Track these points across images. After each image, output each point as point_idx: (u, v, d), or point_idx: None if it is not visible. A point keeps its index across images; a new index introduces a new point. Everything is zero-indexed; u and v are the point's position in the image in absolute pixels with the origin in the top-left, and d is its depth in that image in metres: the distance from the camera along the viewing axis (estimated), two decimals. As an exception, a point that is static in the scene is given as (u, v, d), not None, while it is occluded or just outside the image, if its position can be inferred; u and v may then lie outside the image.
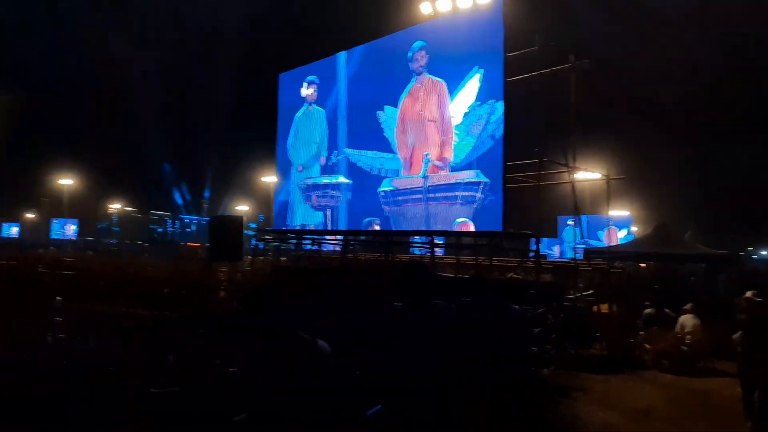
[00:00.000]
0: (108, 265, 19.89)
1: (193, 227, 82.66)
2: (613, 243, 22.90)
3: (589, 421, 6.41)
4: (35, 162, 61.81)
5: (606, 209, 14.12)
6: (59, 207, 56.78)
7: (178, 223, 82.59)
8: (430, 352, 4.80)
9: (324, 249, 16.98)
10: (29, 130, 66.91)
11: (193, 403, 4.43)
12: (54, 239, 52.12)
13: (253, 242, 23.52)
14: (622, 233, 28.05)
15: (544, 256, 17.41)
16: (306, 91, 14.47)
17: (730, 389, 8.44)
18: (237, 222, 14.60)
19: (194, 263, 20.55)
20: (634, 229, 29.99)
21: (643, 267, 18.35)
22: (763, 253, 62.94)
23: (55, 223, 56.82)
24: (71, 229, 55.52)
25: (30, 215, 67.65)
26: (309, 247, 15.17)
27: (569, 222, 28.64)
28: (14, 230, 59.37)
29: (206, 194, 79.00)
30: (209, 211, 79.36)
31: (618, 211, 28.21)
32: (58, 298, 10.72)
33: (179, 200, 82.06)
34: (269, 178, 35.40)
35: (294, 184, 14.62)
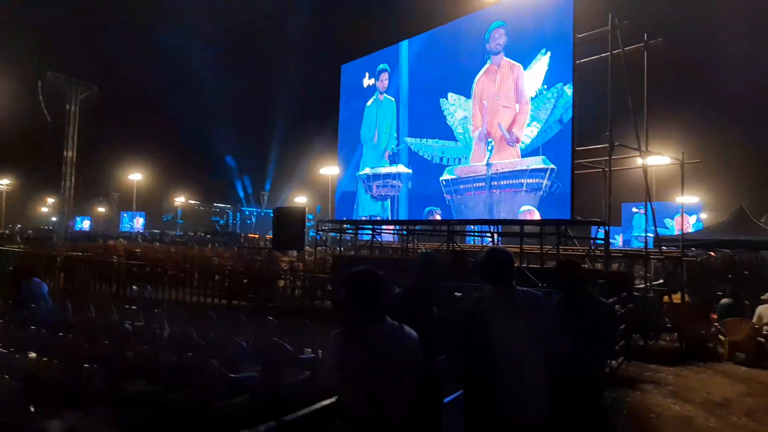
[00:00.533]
0: (176, 254, 20.83)
1: (253, 219, 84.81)
2: (684, 230, 22.02)
3: (664, 414, 6.23)
4: (106, 157, 64.86)
5: (675, 195, 13.60)
6: (128, 201, 59.44)
7: (239, 214, 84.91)
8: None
9: (384, 239, 17.11)
10: (100, 126, 70.19)
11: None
12: (123, 231, 54.74)
13: (312, 233, 24.00)
14: (692, 219, 26.93)
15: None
16: (369, 81, 14.49)
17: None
18: (299, 213, 15.00)
19: (257, 253, 21.21)
20: (703, 216, 28.75)
21: (712, 255, 17.60)
22: None
23: (125, 216, 59.58)
24: (139, 221, 58.09)
25: (101, 209, 71.20)
26: (367, 237, 15.29)
27: (634, 209, 27.74)
28: (86, 224, 62.68)
29: (266, 187, 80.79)
30: (269, 203, 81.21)
31: (687, 197, 27.10)
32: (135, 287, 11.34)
33: (240, 192, 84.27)
34: (328, 170, 35.88)
35: (357, 175, 14.76)
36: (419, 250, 15.34)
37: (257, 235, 63.69)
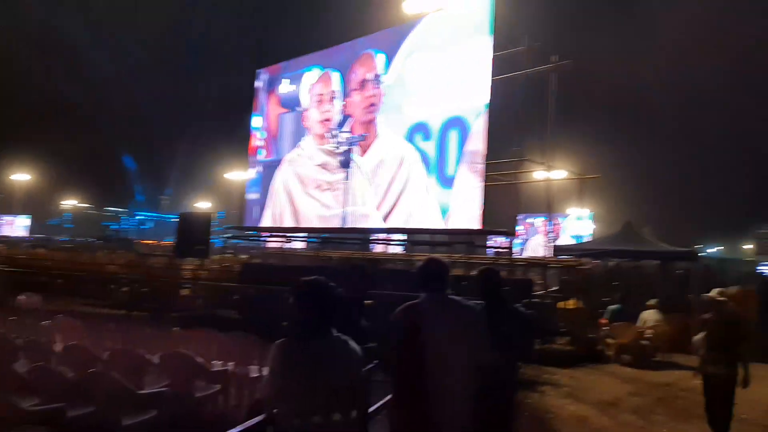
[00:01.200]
0: (65, 261, 19.39)
1: (150, 224, 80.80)
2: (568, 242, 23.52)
3: (561, 414, 6.63)
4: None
5: (565, 207, 14.51)
6: (10, 203, 54.83)
7: (134, 219, 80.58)
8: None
9: (292, 246, 16.92)
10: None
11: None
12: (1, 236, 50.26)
13: (217, 240, 23.27)
14: (581, 230, 28.72)
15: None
16: (288, 88, 14.19)
17: (688, 381, 8.88)
18: (205, 218, 14.49)
19: (156, 260, 20.21)
20: (593, 226, 30.80)
21: (595, 263, 18.96)
22: (712, 249, 65.69)
23: (4, 219, 54.72)
24: (21, 225, 53.54)
25: (-22, 210, 64.93)
26: (276, 244, 15.05)
27: (529, 220, 29.28)
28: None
29: (168, 191, 77.34)
30: (169, 208, 77.72)
31: (579, 209, 28.94)
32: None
33: (137, 197, 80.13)
34: (234, 174, 34.98)
35: (265, 181, 14.43)
36: (331, 258, 15.36)
37: (154, 241, 60.67)
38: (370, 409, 3.16)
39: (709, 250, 62.33)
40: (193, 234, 14.18)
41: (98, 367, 4.89)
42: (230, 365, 6.03)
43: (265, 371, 2.65)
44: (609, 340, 10.54)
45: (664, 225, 42.60)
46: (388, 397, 3.20)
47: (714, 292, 5.53)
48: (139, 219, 79.30)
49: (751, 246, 66.39)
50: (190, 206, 55.39)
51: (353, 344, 2.46)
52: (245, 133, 14.97)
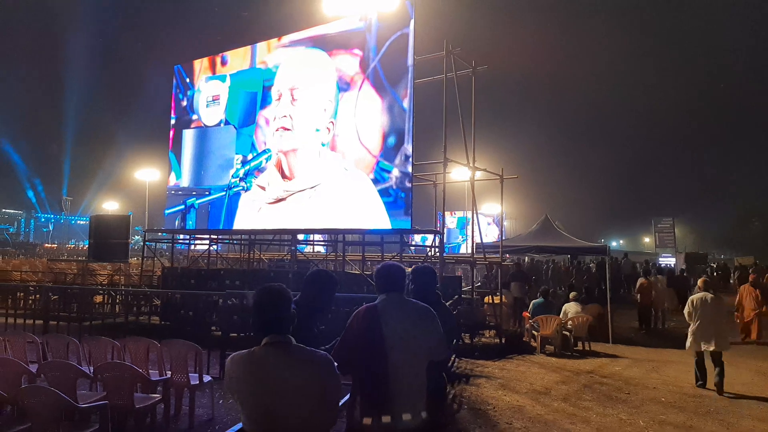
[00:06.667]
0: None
1: (51, 227, 75.86)
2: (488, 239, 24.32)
3: (499, 405, 6.87)
4: None
5: (481, 205, 14.97)
6: None
7: (32, 222, 75.29)
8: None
9: (218, 250, 16.42)
10: None
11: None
12: None
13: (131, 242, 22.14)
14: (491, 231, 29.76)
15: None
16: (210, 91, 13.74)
17: (608, 367, 9.49)
18: (123, 221, 13.81)
19: (67, 265, 18.97)
20: (506, 223, 31.98)
21: (518, 258, 19.83)
22: (614, 244, 70.20)
23: None
24: None
25: None
26: (200, 248, 14.52)
27: (450, 217, 30.01)
28: None
29: (66, 191, 72.61)
30: (72, 209, 73.17)
31: (494, 207, 29.94)
32: None
33: (32, 197, 74.83)
34: (145, 173, 33.21)
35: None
36: (265, 260, 15.03)
37: (54, 245, 56.91)
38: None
39: (612, 244, 66.51)
40: (110, 237, 13.48)
41: (28, 381, 4.56)
42: (167, 373, 5.81)
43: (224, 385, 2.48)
44: (534, 332, 11.02)
45: (571, 220, 44.98)
46: (346, 397, 3.24)
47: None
48: (39, 221, 74.25)
49: (647, 240, 71.32)
50: (98, 207, 52.43)
51: (320, 354, 2.32)
52: (158, 129, 14.38)
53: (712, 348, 7.77)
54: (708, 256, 43.57)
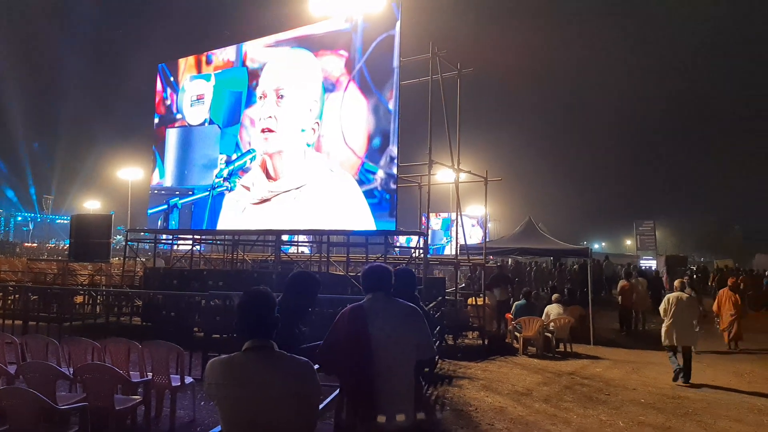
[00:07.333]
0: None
1: (31, 226, 74.68)
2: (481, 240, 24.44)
3: (481, 406, 6.91)
4: None
5: (465, 206, 15.03)
6: None
7: (12, 221, 74.11)
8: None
9: (201, 250, 16.29)
10: None
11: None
12: None
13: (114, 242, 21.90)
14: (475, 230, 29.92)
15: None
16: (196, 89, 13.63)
17: (589, 368, 9.59)
18: (104, 220, 13.66)
19: (47, 265, 18.71)
20: (489, 225, 32.23)
21: (502, 260, 19.96)
22: (596, 246, 70.86)
23: None
24: None
25: None
26: (182, 248, 14.39)
27: (434, 219, 30.12)
28: None
29: (33, 190, 71.56)
30: (53, 208, 72.16)
31: (478, 209, 30.12)
32: None
33: (10, 196, 73.71)
34: (128, 172, 32.91)
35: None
36: (249, 261, 14.95)
37: (34, 245, 56.06)
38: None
39: (594, 246, 67.05)
40: (91, 236, 13.32)
41: (6, 382, 4.50)
42: (148, 375, 5.76)
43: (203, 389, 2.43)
44: (516, 334, 11.09)
45: (554, 222, 45.37)
46: (330, 396, 3.25)
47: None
48: (17, 220, 73.15)
49: (629, 242, 72.10)
50: (79, 206, 51.75)
51: (301, 361, 2.27)
52: (141, 127, 14.28)
53: (682, 343, 8.60)
54: (688, 259, 44.17)
